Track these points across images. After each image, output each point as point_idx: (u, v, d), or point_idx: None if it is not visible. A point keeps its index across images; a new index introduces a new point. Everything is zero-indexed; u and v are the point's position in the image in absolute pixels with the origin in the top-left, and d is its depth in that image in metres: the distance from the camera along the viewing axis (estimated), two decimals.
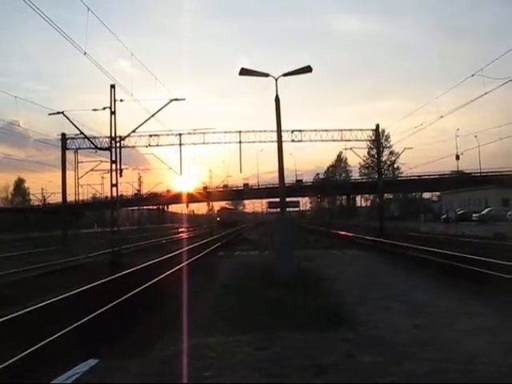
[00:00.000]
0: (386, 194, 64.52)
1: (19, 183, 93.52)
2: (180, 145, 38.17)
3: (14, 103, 37.25)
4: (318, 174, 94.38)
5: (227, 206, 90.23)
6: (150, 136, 38.16)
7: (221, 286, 10.70)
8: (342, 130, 39.41)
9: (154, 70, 68.94)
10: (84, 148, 37.84)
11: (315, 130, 40.09)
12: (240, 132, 40.02)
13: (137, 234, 44.79)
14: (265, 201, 75.64)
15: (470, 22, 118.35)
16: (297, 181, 69.10)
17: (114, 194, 19.65)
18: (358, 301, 8.47)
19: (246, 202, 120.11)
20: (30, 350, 5.70)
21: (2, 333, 6.55)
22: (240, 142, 40.13)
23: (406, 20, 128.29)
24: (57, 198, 61.01)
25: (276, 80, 12.44)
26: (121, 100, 19.74)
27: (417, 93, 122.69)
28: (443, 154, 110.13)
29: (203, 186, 66.10)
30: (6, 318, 7.32)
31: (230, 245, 27.27)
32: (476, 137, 56.40)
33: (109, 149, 20.01)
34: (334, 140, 39.90)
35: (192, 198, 65.99)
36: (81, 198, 48.46)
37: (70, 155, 39.81)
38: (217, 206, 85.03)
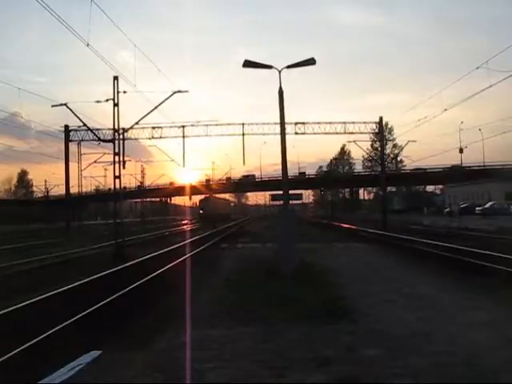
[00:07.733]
0: (389, 187, 64.33)
1: (22, 175, 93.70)
2: (183, 137, 38.27)
3: (16, 95, 37.19)
4: (321, 167, 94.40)
5: (229, 196, 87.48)
6: (153, 128, 38.27)
7: (223, 277, 10.70)
8: (345, 123, 39.36)
9: (157, 61, 68.61)
10: (87, 140, 38.11)
11: (318, 123, 40.06)
12: (243, 124, 40.05)
13: (140, 226, 44.89)
14: (268, 193, 75.57)
15: (472, 15, 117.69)
16: (300, 173, 68.87)
17: (117, 185, 19.66)
18: (360, 294, 8.46)
19: (249, 194, 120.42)
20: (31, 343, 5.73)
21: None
22: (243, 135, 40.16)
23: (408, 13, 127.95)
24: (60, 190, 61.24)
25: (279, 72, 12.37)
26: (124, 92, 19.70)
27: (420, 86, 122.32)
28: (447, 147, 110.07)
29: (206, 178, 66.13)
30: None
31: (233, 237, 27.33)
32: (480, 130, 56.17)
33: (112, 141, 19.97)
34: (337, 133, 39.90)
35: (195, 191, 65.94)
36: (84, 189, 48.64)
37: (72, 147, 40.07)
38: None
